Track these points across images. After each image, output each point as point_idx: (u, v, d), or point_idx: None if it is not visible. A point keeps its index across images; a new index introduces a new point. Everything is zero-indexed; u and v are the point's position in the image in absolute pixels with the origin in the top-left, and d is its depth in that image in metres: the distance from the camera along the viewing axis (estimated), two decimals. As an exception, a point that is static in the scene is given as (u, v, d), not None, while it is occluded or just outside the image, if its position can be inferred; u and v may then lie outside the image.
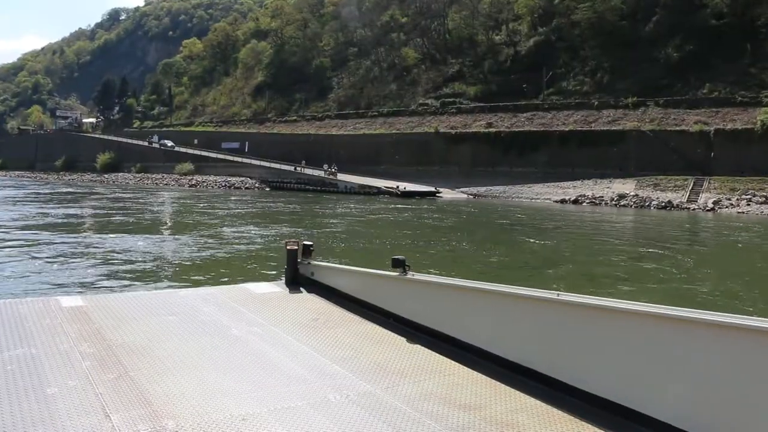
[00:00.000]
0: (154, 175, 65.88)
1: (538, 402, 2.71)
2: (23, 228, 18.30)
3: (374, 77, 69.93)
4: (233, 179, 55.91)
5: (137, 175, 69.44)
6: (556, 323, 2.90)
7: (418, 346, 3.53)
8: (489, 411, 2.63)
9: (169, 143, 74.43)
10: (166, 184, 58.23)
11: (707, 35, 45.30)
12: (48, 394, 2.67)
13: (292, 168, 54.06)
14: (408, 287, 3.92)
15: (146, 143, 78.49)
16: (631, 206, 35.58)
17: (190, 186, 55.38)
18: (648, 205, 35.18)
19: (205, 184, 55.76)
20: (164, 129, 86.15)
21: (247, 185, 52.62)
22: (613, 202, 36.59)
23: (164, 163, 69.51)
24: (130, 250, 13.66)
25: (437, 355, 3.37)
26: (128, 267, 11.71)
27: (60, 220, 21.60)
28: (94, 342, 3.45)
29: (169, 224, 22.46)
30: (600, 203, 37.02)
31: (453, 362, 3.25)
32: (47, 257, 12.54)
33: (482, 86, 57.33)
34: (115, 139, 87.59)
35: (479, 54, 61.97)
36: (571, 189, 40.34)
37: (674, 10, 48.84)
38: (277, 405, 2.65)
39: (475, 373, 3.08)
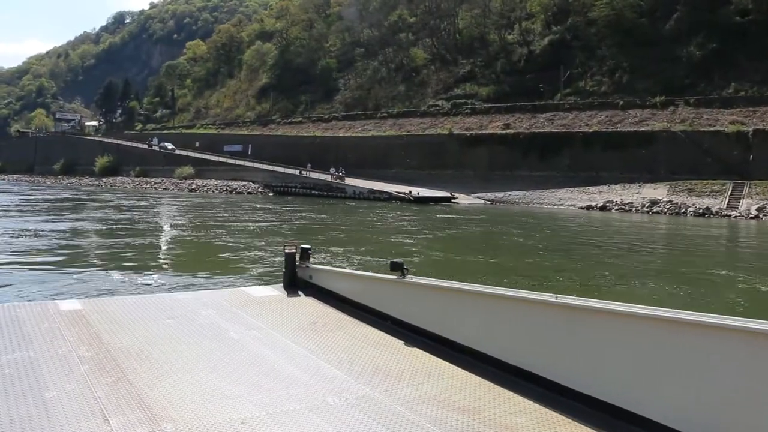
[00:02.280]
0: (153, 179, 63.96)
1: (537, 405, 2.67)
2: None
3: (382, 78, 67.88)
4: (235, 183, 53.55)
5: (136, 179, 67.63)
6: (554, 326, 2.85)
7: (416, 349, 3.49)
8: (487, 414, 2.60)
9: (170, 146, 72.15)
10: (165, 189, 56.03)
11: (731, 32, 43.48)
12: (46, 397, 2.65)
13: (296, 172, 51.72)
14: (406, 290, 3.88)
15: (146, 146, 76.37)
16: (664, 213, 32.94)
17: (190, 190, 53.04)
18: (684, 212, 32.56)
19: (205, 188, 53.50)
20: (165, 131, 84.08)
21: (249, 190, 50.23)
22: (645, 209, 33.97)
23: (164, 167, 67.23)
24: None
25: (435, 358, 3.33)
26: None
27: (46, 245, 16.93)
28: (93, 345, 3.43)
29: (170, 241, 19.82)
30: (630, 210, 34.41)
31: (451, 365, 3.21)
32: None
33: (495, 87, 55.31)
34: (114, 141, 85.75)
35: (491, 54, 60.05)
36: (596, 194, 37.82)
37: (696, 7, 46.95)
38: (276, 408, 2.62)
39: (474, 376, 3.05)
